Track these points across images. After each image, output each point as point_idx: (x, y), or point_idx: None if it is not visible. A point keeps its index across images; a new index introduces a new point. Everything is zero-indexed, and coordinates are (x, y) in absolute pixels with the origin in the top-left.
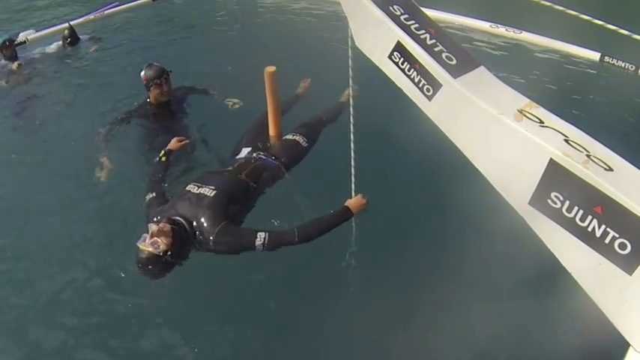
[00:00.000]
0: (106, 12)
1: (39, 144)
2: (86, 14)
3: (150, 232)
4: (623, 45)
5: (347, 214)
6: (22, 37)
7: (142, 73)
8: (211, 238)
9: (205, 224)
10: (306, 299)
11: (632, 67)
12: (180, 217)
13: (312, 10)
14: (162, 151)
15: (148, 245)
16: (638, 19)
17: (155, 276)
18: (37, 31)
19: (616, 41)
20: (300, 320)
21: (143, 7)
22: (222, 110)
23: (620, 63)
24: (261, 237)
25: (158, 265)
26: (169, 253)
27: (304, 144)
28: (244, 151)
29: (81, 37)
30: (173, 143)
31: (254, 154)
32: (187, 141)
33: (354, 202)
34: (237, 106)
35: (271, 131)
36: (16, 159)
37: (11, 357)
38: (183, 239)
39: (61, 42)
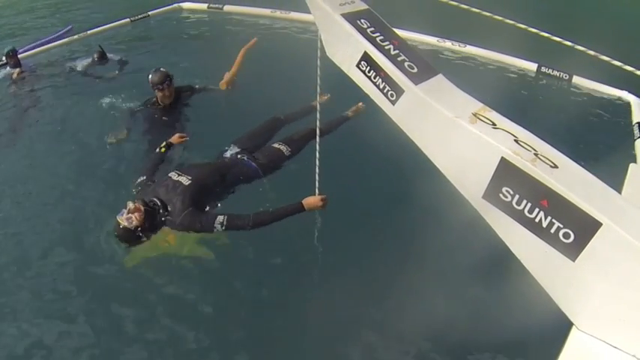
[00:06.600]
0: (89, 32)
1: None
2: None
3: (127, 208)
4: (559, 55)
5: (299, 209)
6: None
7: (150, 76)
8: (179, 219)
9: (176, 207)
10: (272, 295)
11: (566, 76)
12: (157, 198)
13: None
14: (164, 142)
15: (123, 219)
16: (573, 29)
17: (127, 244)
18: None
19: (552, 52)
20: (267, 315)
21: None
22: (221, 112)
23: (555, 72)
24: (219, 219)
25: (129, 236)
26: (139, 228)
27: (287, 153)
28: (231, 150)
29: (110, 55)
30: (175, 138)
31: (238, 156)
32: (187, 138)
33: (311, 201)
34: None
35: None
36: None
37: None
38: (153, 218)
39: (90, 59)
